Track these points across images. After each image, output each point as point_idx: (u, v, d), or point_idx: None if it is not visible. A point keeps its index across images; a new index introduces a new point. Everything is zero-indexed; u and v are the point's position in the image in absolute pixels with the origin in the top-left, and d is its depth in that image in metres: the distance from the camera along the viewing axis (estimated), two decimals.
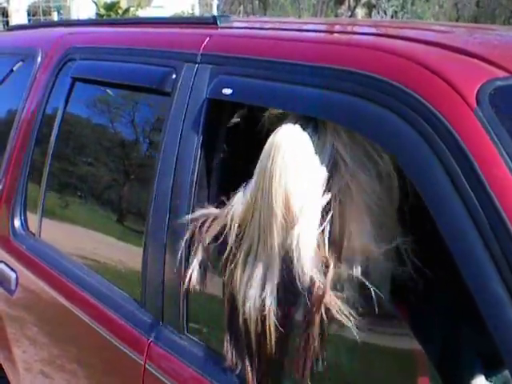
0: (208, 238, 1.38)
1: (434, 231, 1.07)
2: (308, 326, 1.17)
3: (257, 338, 1.26)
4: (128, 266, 1.95)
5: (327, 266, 1.18)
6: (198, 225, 1.41)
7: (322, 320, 1.16)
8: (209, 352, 1.50)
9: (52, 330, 2.23)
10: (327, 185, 1.23)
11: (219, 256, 1.35)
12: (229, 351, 1.32)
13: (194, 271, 1.40)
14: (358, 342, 1.13)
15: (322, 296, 1.15)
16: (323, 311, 1.15)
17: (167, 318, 1.63)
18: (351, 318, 1.14)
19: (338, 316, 1.15)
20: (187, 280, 1.40)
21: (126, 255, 1.95)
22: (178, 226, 1.56)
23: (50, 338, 2.23)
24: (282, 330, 1.23)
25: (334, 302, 1.16)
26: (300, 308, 1.21)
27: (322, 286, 1.16)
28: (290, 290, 1.21)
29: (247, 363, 1.29)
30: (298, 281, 1.18)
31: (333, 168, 1.23)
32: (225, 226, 1.34)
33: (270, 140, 1.25)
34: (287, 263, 1.21)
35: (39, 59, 2.50)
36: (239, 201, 1.31)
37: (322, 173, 1.23)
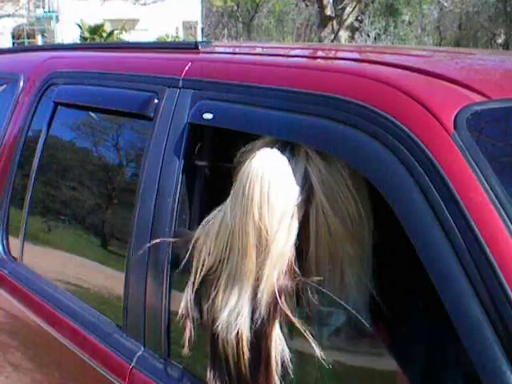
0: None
1: (413, 253, 1.08)
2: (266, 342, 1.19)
3: (235, 363, 1.25)
4: (110, 290, 1.95)
5: (299, 291, 1.18)
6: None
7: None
8: (191, 378, 1.49)
9: (34, 356, 2.21)
10: (304, 210, 1.22)
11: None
12: (211, 379, 1.30)
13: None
14: (333, 362, 1.13)
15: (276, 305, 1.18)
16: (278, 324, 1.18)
17: (149, 344, 1.62)
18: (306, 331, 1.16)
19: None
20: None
21: (108, 280, 1.94)
22: (159, 251, 1.56)
23: (33, 364, 2.21)
24: (256, 356, 1.23)
25: (284, 311, 1.18)
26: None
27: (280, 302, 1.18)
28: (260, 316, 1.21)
29: None
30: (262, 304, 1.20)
31: (310, 193, 1.23)
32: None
33: (247, 164, 1.24)
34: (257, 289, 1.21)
35: (21, 84, 2.50)
36: (215, 227, 1.30)
37: (299, 198, 1.22)
